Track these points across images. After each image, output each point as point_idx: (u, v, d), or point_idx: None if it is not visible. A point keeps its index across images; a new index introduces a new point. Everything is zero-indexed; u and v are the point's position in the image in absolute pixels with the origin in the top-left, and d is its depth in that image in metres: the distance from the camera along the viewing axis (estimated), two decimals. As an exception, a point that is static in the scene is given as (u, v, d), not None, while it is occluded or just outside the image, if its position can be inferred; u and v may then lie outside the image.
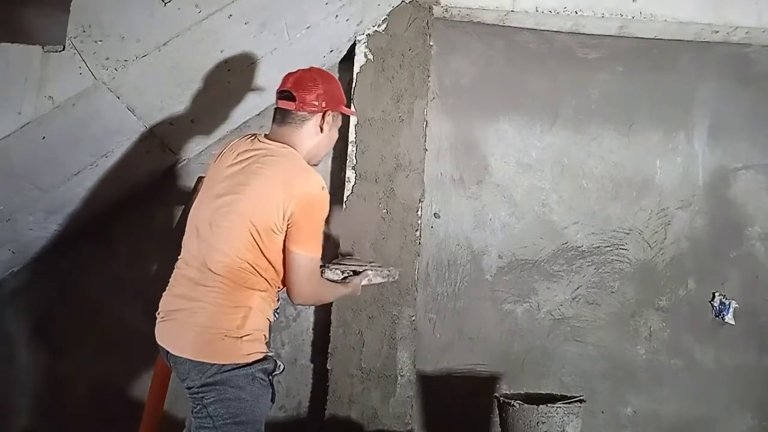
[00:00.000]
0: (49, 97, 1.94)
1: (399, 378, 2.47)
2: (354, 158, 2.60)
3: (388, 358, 2.48)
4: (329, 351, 2.48)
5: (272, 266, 1.72)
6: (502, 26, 2.87)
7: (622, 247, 2.80)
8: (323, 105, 1.81)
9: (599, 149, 2.86)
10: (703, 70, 2.94)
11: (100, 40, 1.97)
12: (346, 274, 2.00)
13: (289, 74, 1.84)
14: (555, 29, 2.89)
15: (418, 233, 2.58)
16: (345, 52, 2.77)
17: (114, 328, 2.63)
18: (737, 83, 2.94)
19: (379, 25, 2.69)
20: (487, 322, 2.71)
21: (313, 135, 1.83)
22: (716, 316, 2.77)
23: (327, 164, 2.74)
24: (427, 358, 2.64)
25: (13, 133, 1.94)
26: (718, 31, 2.85)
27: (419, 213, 2.59)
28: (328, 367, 2.47)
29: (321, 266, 1.90)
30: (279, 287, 1.77)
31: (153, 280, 2.54)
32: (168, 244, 2.15)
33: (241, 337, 1.67)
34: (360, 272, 2.01)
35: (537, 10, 2.75)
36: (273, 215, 1.68)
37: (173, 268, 1.94)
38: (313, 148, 1.84)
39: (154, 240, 2.61)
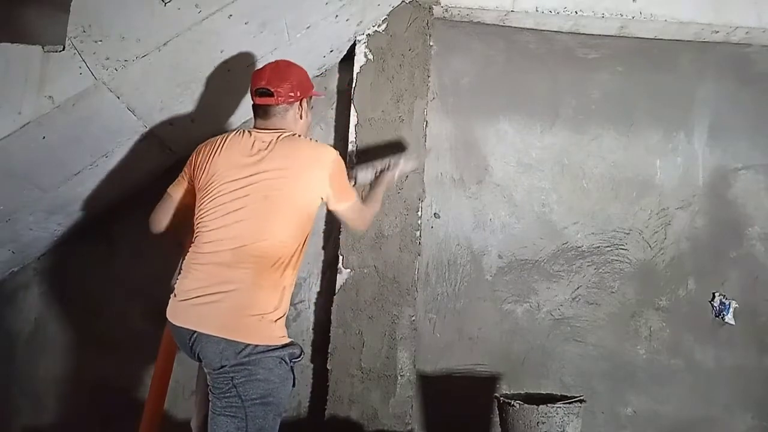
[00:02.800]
0: (49, 97, 1.94)
1: (399, 378, 2.47)
2: (354, 158, 2.59)
3: (388, 358, 2.48)
4: (329, 351, 2.48)
5: (303, 238, 1.88)
6: (502, 26, 2.87)
7: (622, 247, 2.80)
8: (298, 94, 2.01)
9: (599, 149, 2.86)
10: (703, 70, 2.94)
11: (100, 40, 1.97)
12: (376, 171, 2.29)
13: (259, 71, 2.01)
14: (555, 29, 2.89)
15: (418, 233, 2.58)
16: (345, 52, 2.78)
17: (114, 328, 2.63)
18: (737, 83, 2.94)
19: (379, 25, 2.69)
20: (487, 322, 2.71)
21: (295, 122, 2.02)
22: (716, 316, 2.77)
23: (327, 164, 2.74)
24: (427, 358, 2.64)
25: (13, 133, 1.94)
26: (718, 31, 2.85)
27: (419, 213, 2.59)
28: (328, 367, 2.47)
29: (352, 171, 2.23)
30: (304, 248, 1.91)
31: (153, 280, 2.55)
32: (168, 245, 2.16)
33: (276, 320, 1.77)
34: (389, 167, 2.29)
35: (537, 10, 2.75)
36: (314, 192, 1.90)
37: (175, 266, 1.96)
38: (300, 130, 2.03)
39: (154, 240, 2.60)
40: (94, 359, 2.61)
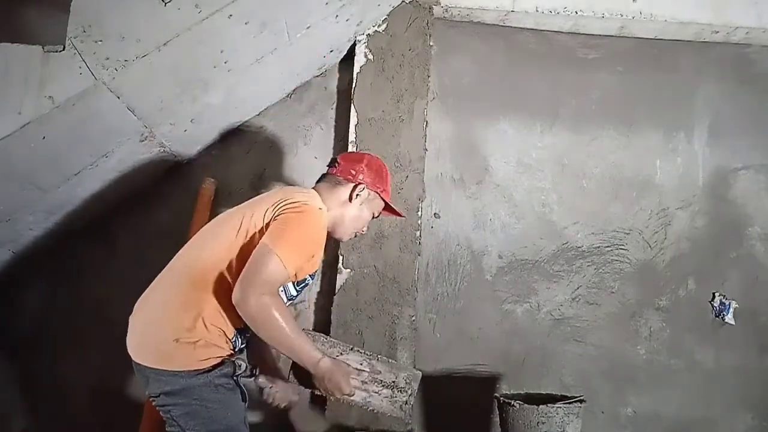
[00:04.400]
0: (49, 97, 1.94)
1: (399, 378, 2.47)
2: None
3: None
4: (329, 351, 2.48)
5: (238, 266, 1.63)
6: (502, 26, 2.87)
7: (622, 247, 2.80)
8: (360, 178, 1.87)
9: (599, 149, 2.86)
10: (703, 71, 2.94)
11: (101, 40, 1.97)
12: (365, 370, 1.82)
13: (345, 153, 1.97)
14: (555, 29, 2.89)
15: (418, 233, 2.58)
16: (345, 52, 2.77)
17: (114, 329, 2.59)
18: (737, 83, 2.94)
19: (379, 25, 2.69)
20: (487, 322, 2.70)
21: (342, 202, 1.86)
22: (716, 317, 2.77)
23: (326, 164, 2.73)
24: (427, 358, 2.63)
25: (13, 133, 1.94)
26: (718, 32, 2.85)
27: (419, 213, 2.59)
28: (328, 367, 2.47)
29: (347, 348, 1.89)
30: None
31: (153, 280, 2.54)
32: (167, 243, 2.15)
33: (194, 342, 1.60)
34: (345, 355, 1.85)
35: (537, 11, 2.75)
36: (257, 216, 1.67)
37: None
38: (338, 215, 1.86)
39: (154, 240, 2.60)
40: (94, 359, 2.60)
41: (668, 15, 2.77)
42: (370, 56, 2.67)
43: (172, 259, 1.79)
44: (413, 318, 2.52)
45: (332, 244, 2.62)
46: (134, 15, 1.99)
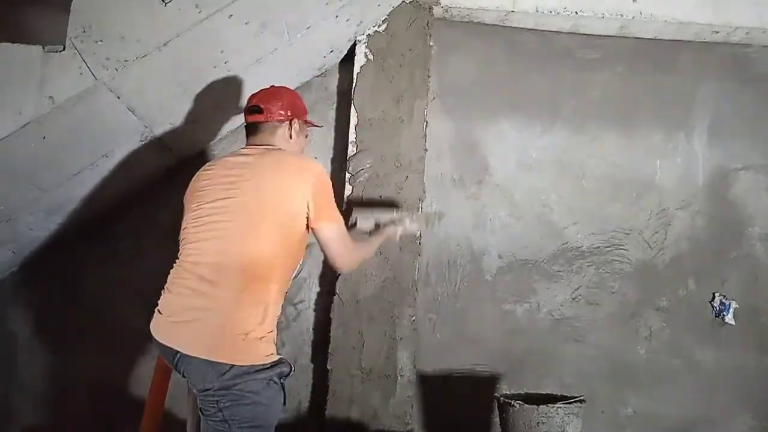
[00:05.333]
0: (50, 97, 1.94)
1: (399, 378, 2.47)
2: (350, 168, 2.60)
3: (389, 358, 2.48)
4: (329, 351, 2.48)
5: (290, 253, 1.80)
6: (503, 26, 2.87)
7: (622, 247, 2.80)
8: (288, 114, 1.98)
9: (599, 149, 2.86)
10: (703, 71, 2.94)
11: (101, 40, 1.97)
12: (378, 222, 2.18)
13: (253, 94, 2.00)
14: (555, 29, 2.89)
15: (418, 233, 2.58)
16: (345, 53, 2.77)
17: (114, 328, 2.63)
18: (737, 83, 2.94)
19: (379, 26, 2.69)
20: (488, 322, 2.70)
21: (284, 142, 1.97)
22: (716, 317, 2.77)
23: (327, 164, 2.74)
24: (427, 358, 2.64)
25: (14, 133, 1.94)
26: (718, 32, 2.85)
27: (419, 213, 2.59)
28: (329, 367, 2.47)
29: (353, 219, 2.13)
30: (293, 273, 1.87)
31: (153, 280, 2.53)
32: (168, 243, 2.15)
33: (261, 338, 1.69)
34: (395, 221, 2.19)
35: (537, 11, 2.75)
36: (296, 204, 1.80)
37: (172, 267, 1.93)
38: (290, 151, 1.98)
39: (154, 240, 2.61)
40: (94, 359, 2.60)
41: (668, 15, 2.77)
42: (370, 56, 2.67)
43: (199, 251, 1.77)
44: (413, 318, 2.52)
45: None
46: (134, 15, 1.99)
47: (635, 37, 2.91)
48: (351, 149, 2.61)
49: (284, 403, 1.74)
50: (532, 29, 2.89)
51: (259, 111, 1.96)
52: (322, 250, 1.89)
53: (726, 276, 2.80)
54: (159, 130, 2.36)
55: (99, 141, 2.25)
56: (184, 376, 1.73)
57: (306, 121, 2.07)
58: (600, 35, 2.90)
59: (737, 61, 2.95)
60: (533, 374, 2.67)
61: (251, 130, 1.98)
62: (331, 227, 1.86)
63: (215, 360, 1.64)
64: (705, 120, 2.91)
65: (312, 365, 2.63)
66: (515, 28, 2.88)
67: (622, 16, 2.76)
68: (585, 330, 2.73)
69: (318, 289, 2.68)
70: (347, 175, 2.59)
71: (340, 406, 2.44)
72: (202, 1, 2.00)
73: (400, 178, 2.59)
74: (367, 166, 2.59)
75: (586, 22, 2.81)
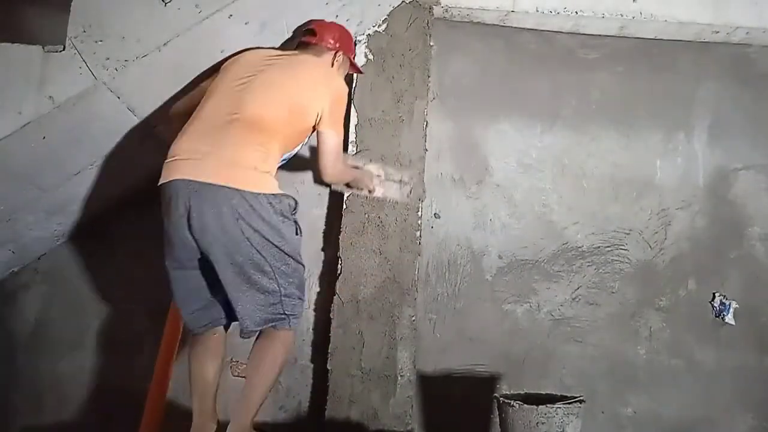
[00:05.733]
0: (50, 97, 1.95)
1: (399, 378, 2.47)
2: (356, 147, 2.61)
3: (388, 358, 2.48)
4: (329, 351, 2.48)
5: (293, 133, 2.07)
6: (503, 26, 2.87)
7: (623, 247, 2.80)
8: (337, 45, 2.27)
9: (599, 149, 2.86)
10: (703, 71, 2.94)
11: (101, 40, 1.97)
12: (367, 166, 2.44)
13: (312, 19, 2.31)
14: (555, 29, 2.89)
15: (418, 233, 2.58)
16: (345, 53, 2.77)
17: (114, 328, 2.63)
18: (737, 83, 2.94)
19: (379, 26, 2.69)
20: (487, 323, 2.70)
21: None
22: (716, 317, 2.77)
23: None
24: (427, 358, 2.63)
25: (14, 133, 1.94)
26: (718, 32, 2.85)
27: (419, 213, 2.59)
28: (328, 368, 2.47)
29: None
30: (292, 148, 2.15)
31: (153, 280, 2.54)
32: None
33: (267, 172, 1.95)
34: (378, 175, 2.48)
35: (537, 11, 2.75)
36: (312, 101, 2.07)
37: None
38: None
39: (154, 240, 2.59)
40: (94, 359, 2.61)
41: (668, 15, 2.77)
42: (371, 56, 2.67)
43: (217, 106, 1.99)
44: (413, 318, 2.52)
45: (332, 244, 2.62)
46: (134, 15, 1.99)
47: (635, 37, 2.91)
48: (351, 149, 2.61)
49: (299, 233, 2.05)
50: (532, 29, 2.89)
51: (313, 33, 2.26)
52: (318, 156, 2.12)
53: (726, 276, 2.80)
54: (160, 131, 2.36)
55: (99, 141, 2.25)
56: (188, 218, 1.86)
57: (351, 62, 2.35)
58: (600, 35, 2.90)
59: (737, 61, 2.95)
60: (533, 374, 2.67)
61: (301, 48, 2.26)
62: (333, 138, 2.11)
63: (233, 186, 1.85)
64: (705, 120, 2.91)
65: (312, 365, 2.62)
66: (515, 28, 2.88)
67: (622, 16, 2.76)
68: (585, 330, 2.73)
69: (318, 289, 2.68)
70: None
71: (340, 406, 2.44)
72: (202, 1, 2.01)
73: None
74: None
75: (586, 22, 2.81)
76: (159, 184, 1.93)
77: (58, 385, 2.60)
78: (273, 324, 1.97)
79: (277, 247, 1.94)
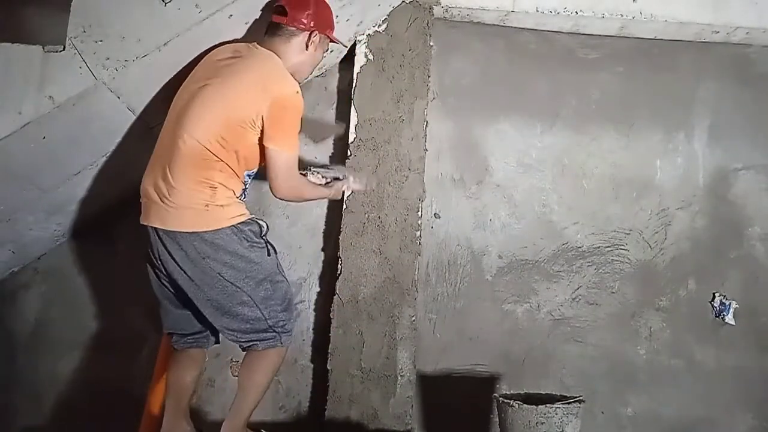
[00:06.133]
0: (50, 97, 1.95)
1: (399, 378, 2.47)
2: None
3: (388, 358, 2.48)
4: (329, 351, 2.48)
5: (236, 157, 1.89)
6: (503, 26, 2.87)
7: (623, 247, 2.80)
8: (311, 24, 2.02)
9: (599, 149, 2.86)
10: (704, 71, 2.93)
11: (101, 40, 1.97)
12: (328, 180, 2.22)
13: None
14: (555, 29, 2.89)
15: (418, 233, 2.58)
16: (345, 52, 2.77)
17: (114, 328, 2.63)
18: (737, 83, 2.94)
19: (379, 26, 2.69)
20: (487, 323, 2.70)
21: (299, 51, 2.02)
22: (716, 317, 2.77)
23: (326, 164, 2.74)
24: (427, 358, 2.64)
25: (14, 133, 1.94)
26: (718, 32, 2.85)
27: (419, 213, 2.59)
28: (328, 368, 2.47)
29: (303, 172, 2.12)
30: (243, 177, 1.97)
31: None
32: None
33: (222, 205, 1.87)
34: (341, 179, 2.27)
35: (537, 11, 2.74)
36: (247, 111, 1.86)
37: None
38: (297, 64, 2.02)
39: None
40: (94, 359, 2.61)
41: (668, 15, 2.77)
42: (370, 56, 2.67)
43: (170, 134, 1.92)
44: (413, 318, 2.52)
45: (332, 244, 2.62)
46: (134, 15, 1.99)
47: (635, 37, 2.91)
48: (351, 149, 2.61)
49: (275, 252, 1.99)
50: (533, 29, 2.89)
51: (283, 13, 2.01)
52: (266, 170, 1.94)
53: (726, 276, 2.80)
54: (159, 130, 2.36)
55: (99, 141, 2.25)
56: (162, 261, 1.91)
57: (329, 37, 2.10)
58: (600, 35, 2.90)
59: (737, 61, 2.95)
60: (533, 374, 2.67)
61: (270, 28, 2.03)
62: (279, 152, 1.90)
63: (192, 230, 1.83)
64: (705, 120, 2.91)
65: (312, 365, 2.63)
66: (515, 28, 2.88)
67: (622, 16, 2.76)
68: (585, 330, 2.73)
69: (318, 289, 2.68)
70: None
71: (340, 406, 2.44)
72: (202, 1, 2.00)
73: (400, 178, 2.59)
74: (367, 166, 2.59)
75: (586, 22, 2.81)
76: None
77: (58, 385, 2.60)
78: (266, 342, 1.99)
79: (250, 276, 1.92)
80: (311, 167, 2.25)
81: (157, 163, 1.93)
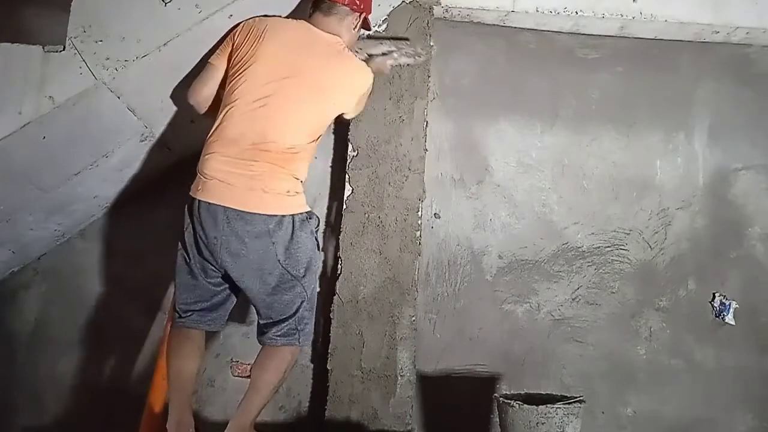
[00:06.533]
0: (50, 97, 1.95)
1: (399, 378, 2.47)
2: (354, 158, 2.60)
3: (389, 358, 2.48)
4: (329, 351, 2.48)
5: (316, 139, 2.06)
6: (503, 26, 2.87)
7: (623, 247, 2.80)
8: (362, 7, 2.16)
9: (599, 149, 2.86)
10: (704, 71, 2.93)
11: (101, 40, 1.97)
12: (374, 54, 2.37)
13: None
14: (555, 29, 2.89)
15: (418, 233, 2.57)
16: (345, 52, 2.77)
17: (114, 328, 2.63)
18: (737, 83, 2.94)
19: (379, 26, 2.68)
20: (488, 323, 2.70)
21: (348, 31, 2.15)
22: (716, 317, 2.77)
23: (327, 165, 2.74)
24: (427, 358, 2.64)
25: (14, 133, 1.95)
26: (718, 32, 2.84)
27: (419, 213, 2.59)
28: (328, 368, 2.47)
29: (357, 49, 2.28)
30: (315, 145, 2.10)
31: (153, 280, 2.55)
32: (167, 243, 2.15)
33: (298, 192, 1.99)
34: (387, 53, 2.40)
35: (537, 11, 2.74)
36: (337, 109, 2.10)
37: (173, 267, 1.96)
38: (349, 42, 2.15)
39: (154, 240, 2.61)
40: (94, 359, 2.61)
41: (668, 15, 2.77)
42: (371, 56, 2.66)
43: (247, 117, 1.95)
44: (413, 318, 2.52)
45: (332, 244, 2.62)
46: (134, 15, 1.99)
47: (635, 37, 2.91)
48: (351, 149, 2.61)
49: (320, 249, 2.17)
50: (533, 29, 2.88)
51: None
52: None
53: (726, 276, 2.80)
54: (159, 130, 2.36)
55: (99, 141, 2.25)
56: (222, 240, 1.91)
57: (367, 21, 2.25)
58: (600, 35, 2.90)
59: (737, 61, 2.95)
60: (533, 374, 2.67)
61: (325, 7, 2.10)
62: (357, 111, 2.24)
63: (267, 213, 1.91)
64: (705, 120, 2.91)
65: (312, 365, 2.63)
66: (515, 28, 2.87)
67: (622, 16, 2.76)
68: (585, 330, 2.73)
69: (318, 289, 2.67)
70: (347, 176, 2.59)
71: (340, 407, 2.44)
72: (202, 1, 2.01)
73: (400, 178, 2.59)
74: (367, 166, 2.59)
75: (586, 22, 2.81)
76: (196, 198, 1.95)
77: (58, 385, 2.60)
78: (286, 339, 2.03)
79: (306, 266, 2.01)
80: (366, 37, 2.41)
81: (233, 145, 1.93)
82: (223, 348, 2.57)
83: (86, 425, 2.56)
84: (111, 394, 2.57)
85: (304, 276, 2.00)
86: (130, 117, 2.21)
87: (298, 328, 2.03)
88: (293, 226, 1.95)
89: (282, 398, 2.59)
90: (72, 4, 1.98)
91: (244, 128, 1.95)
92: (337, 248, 2.56)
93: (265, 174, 1.92)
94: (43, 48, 1.97)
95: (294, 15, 2.26)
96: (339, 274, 2.52)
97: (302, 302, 2.02)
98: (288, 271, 1.97)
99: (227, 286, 2.05)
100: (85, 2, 1.98)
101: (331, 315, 2.51)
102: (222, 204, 1.91)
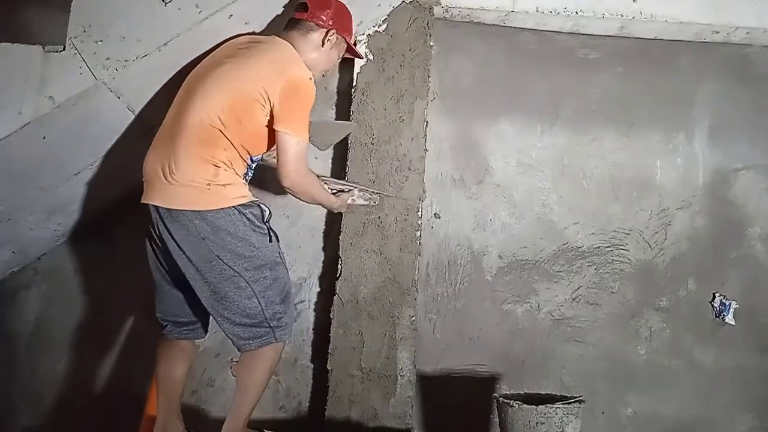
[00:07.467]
0: (50, 97, 1.95)
1: (399, 378, 2.47)
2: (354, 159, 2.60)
3: (388, 359, 2.48)
4: (329, 351, 2.48)
5: (242, 136, 1.89)
6: (503, 26, 2.87)
7: (623, 247, 2.80)
8: (330, 23, 2.07)
9: (599, 150, 2.86)
10: (704, 71, 2.93)
11: (101, 40, 1.97)
12: (334, 191, 2.29)
13: None
14: (555, 29, 2.89)
15: (418, 233, 2.58)
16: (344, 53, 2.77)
17: (114, 328, 2.63)
18: (737, 84, 2.94)
19: (379, 26, 2.69)
20: (487, 323, 2.70)
21: (315, 47, 2.06)
22: (716, 317, 2.77)
23: (327, 165, 2.74)
24: (427, 358, 2.64)
25: (14, 133, 1.94)
26: (718, 32, 2.85)
27: (419, 213, 2.59)
28: (328, 368, 2.47)
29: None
30: (248, 160, 1.97)
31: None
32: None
33: (225, 184, 1.85)
34: (347, 191, 2.35)
35: (537, 11, 2.74)
36: (258, 87, 1.87)
37: None
38: (311, 60, 2.04)
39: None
40: (94, 359, 2.61)
41: (668, 15, 2.77)
42: (370, 56, 2.66)
43: (177, 110, 1.93)
44: (413, 318, 2.52)
45: (332, 244, 2.62)
46: (134, 15, 1.99)
47: (635, 37, 2.91)
48: (351, 149, 2.61)
49: (277, 240, 1.96)
50: (533, 29, 2.89)
51: (305, 7, 2.06)
52: (278, 160, 1.93)
53: (726, 276, 2.80)
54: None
55: (99, 141, 2.25)
56: (162, 240, 1.88)
57: (348, 44, 2.15)
58: (600, 35, 2.90)
59: (737, 62, 2.95)
60: (533, 374, 2.67)
61: (289, 24, 2.08)
62: (289, 136, 1.90)
63: (192, 209, 1.81)
64: (705, 120, 2.91)
65: (312, 365, 2.63)
66: (515, 28, 2.88)
67: (622, 16, 2.76)
68: (585, 330, 2.73)
69: (318, 289, 2.68)
70: (347, 176, 2.59)
71: (340, 406, 2.44)
72: (202, 1, 2.01)
73: (400, 178, 2.59)
74: (367, 166, 2.59)
75: (586, 22, 2.81)
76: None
77: (58, 385, 2.60)
78: (260, 340, 1.95)
79: (249, 261, 1.88)
80: (319, 176, 2.26)
81: (162, 142, 1.92)
82: (223, 348, 2.56)
83: (86, 425, 2.56)
84: (111, 395, 2.57)
85: (248, 270, 1.88)
86: (130, 117, 2.21)
87: (271, 325, 1.94)
88: (224, 219, 1.84)
89: (282, 398, 2.59)
90: (72, 4, 1.97)
91: (172, 111, 1.96)
92: (337, 248, 2.56)
93: (183, 160, 1.82)
94: (43, 48, 1.96)
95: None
96: (339, 274, 2.52)
97: (257, 299, 1.90)
98: (230, 267, 1.86)
99: (195, 294, 1.97)
100: (85, 2, 1.98)
101: (331, 315, 2.51)
102: (151, 203, 1.89)
